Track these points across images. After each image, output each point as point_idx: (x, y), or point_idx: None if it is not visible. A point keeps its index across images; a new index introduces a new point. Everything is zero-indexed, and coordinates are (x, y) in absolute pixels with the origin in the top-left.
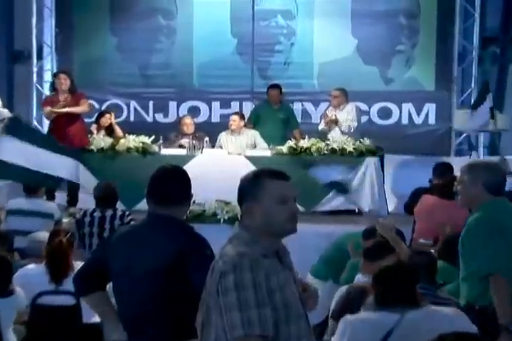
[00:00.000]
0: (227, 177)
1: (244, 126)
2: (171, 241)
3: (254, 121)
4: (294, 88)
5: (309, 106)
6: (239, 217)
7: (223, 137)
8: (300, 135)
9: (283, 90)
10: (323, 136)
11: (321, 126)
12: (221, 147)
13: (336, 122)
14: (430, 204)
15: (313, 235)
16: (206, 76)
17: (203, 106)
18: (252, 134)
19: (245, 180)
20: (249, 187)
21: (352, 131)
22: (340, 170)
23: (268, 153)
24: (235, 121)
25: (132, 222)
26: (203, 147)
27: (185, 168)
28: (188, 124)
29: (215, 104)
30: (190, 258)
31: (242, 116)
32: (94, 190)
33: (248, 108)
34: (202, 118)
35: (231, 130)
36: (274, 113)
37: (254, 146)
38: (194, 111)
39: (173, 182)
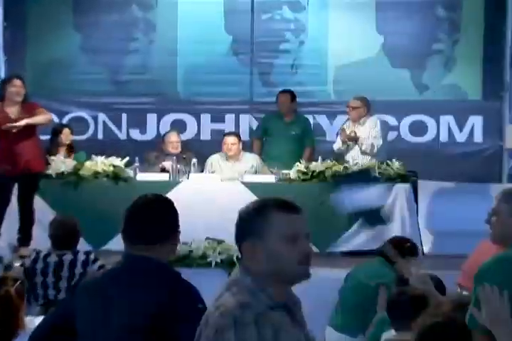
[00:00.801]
0: (220, 209)
1: (248, 148)
2: (152, 293)
3: (259, 135)
4: (303, 97)
5: (323, 120)
6: (237, 258)
7: (215, 162)
8: (310, 155)
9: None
10: (339, 157)
11: (337, 145)
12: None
13: (355, 140)
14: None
15: (330, 281)
16: (194, 82)
17: (189, 120)
18: (253, 159)
19: (246, 213)
20: (252, 222)
21: (375, 150)
22: (370, 192)
23: (272, 179)
24: (233, 144)
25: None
26: (189, 171)
27: (168, 197)
28: (174, 142)
29: (205, 118)
30: (176, 315)
31: (239, 137)
32: (50, 226)
33: (246, 122)
34: (188, 134)
35: (228, 156)
36: (285, 127)
37: (255, 172)
38: (178, 126)
39: (154, 216)
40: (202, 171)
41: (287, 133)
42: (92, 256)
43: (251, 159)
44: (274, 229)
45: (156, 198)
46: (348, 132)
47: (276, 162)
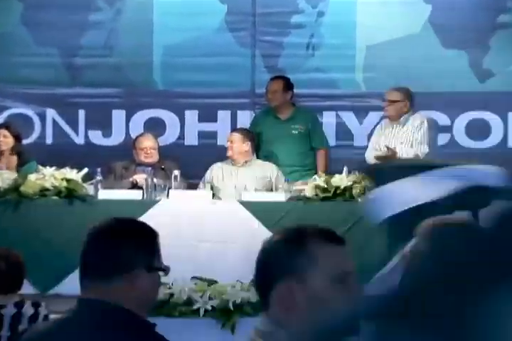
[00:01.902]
0: (211, 238)
1: (253, 152)
2: None
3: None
4: (322, 88)
5: (349, 119)
6: (262, 305)
7: (217, 170)
8: (325, 160)
9: (296, 88)
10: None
11: (370, 155)
12: (211, 187)
13: (393, 155)
14: None
15: None
16: (175, 68)
17: (169, 119)
18: (269, 168)
19: (278, 245)
20: (288, 258)
21: (421, 158)
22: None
23: (280, 197)
24: (235, 143)
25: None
26: (169, 187)
27: (145, 218)
28: (149, 149)
29: (191, 115)
30: None
31: (248, 135)
32: None
33: (246, 121)
34: (168, 138)
35: (232, 159)
36: (282, 127)
37: (271, 189)
38: (155, 127)
39: (119, 247)
40: (191, 187)
41: (286, 134)
42: (42, 310)
43: (266, 168)
44: (319, 266)
45: (122, 223)
46: (386, 148)
47: (285, 172)
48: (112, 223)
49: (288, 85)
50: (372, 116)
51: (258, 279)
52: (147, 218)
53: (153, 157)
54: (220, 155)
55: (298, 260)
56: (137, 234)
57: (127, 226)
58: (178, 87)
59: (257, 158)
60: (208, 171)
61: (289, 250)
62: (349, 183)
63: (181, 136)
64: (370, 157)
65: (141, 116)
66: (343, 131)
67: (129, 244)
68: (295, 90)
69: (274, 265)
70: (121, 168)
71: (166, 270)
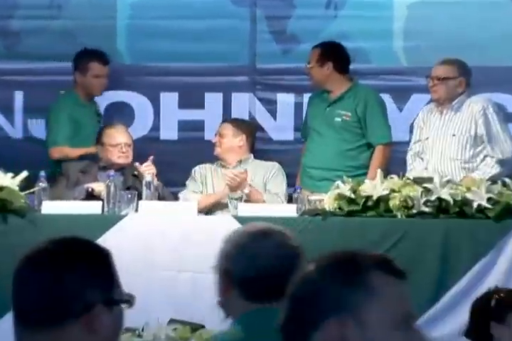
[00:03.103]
0: (195, 267)
1: (252, 149)
2: None
3: (304, 134)
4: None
5: (386, 101)
6: None
7: (200, 175)
8: (381, 162)
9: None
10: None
11: (412, 158)
12: (200, 192)
13: None
14: None
15: None
16: (148, 34)
17: (139, 104)
18: (269, 169)
19: (325, 277)
20: (341, 291)
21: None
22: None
23: (291, 210)
24: (224, 137)
25: None
26: (136, 197)
27: (102, 243)
28: (123, 146)
29: (169, 99)
30: None
31: (242, 127)
32: None
33: (244, 107)
34: (137, 130)
35: (220, 158)
36: (325, 111)
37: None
38: (119, 115)
39: (67, 281)
40: (159, 197)
41: (326, 123)
42: None
43: (269, 170)
44: (380, 303)
45: (63, 245)
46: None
47: (313, 179)
48: (50, 247)
49: (325, 54)
50: (416, 100)
51: (291, 319)
52: (108, 240)
53: (129, 157)
54: (209, 153)
55: (353, 294)
56: (86, 259)
57: (71, 249)
58: (150, 60)
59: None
60: (191, 176)
61: (344, 282)
62: (385, 192)
63: (155, 128)
64: (414, 165)
65: (100, 101)
66: None
67: (77, 274)
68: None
69: (323, 300)
70: (77, 170)
71: (129, 300)
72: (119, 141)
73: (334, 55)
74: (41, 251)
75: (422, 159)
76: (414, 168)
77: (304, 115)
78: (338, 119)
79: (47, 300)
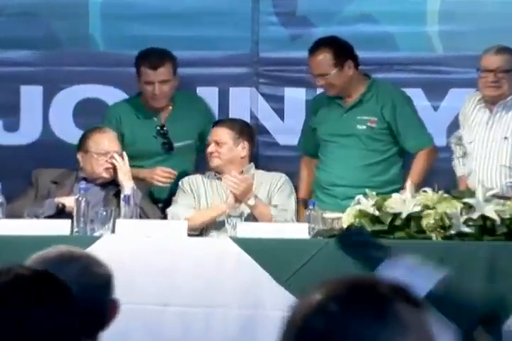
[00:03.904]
0: (184, 299)
1: (250, 156)
2: None
3: (308, 149)
4: (371, 49)
5: (416, 100)
6: None
7: (189, 188)
8: (428, 168)
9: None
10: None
11: (459, 155)
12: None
13: None
14: None
15: None
16: (126, 16)
17: (117, 101)
18: (277, 180)
19: (347, 307)
20: (369, 327)
21: None
22: None
23: (303, 231)
24: (220, 144)
25: None
26: (114, 215)
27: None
28: (113, 153)
29: None
30: None
31: (244, 130)
32: None
33: (246, 103)
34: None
35: (217, 171)
36: (341, 118)
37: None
38: (92, 114)
39: (26, 321)
40: (142, 215)
41: (345, 132)
42: None
43: (274, 181)
44: (412, 338)
45: (31, 276)
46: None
47: (335, 198)
48: (12, 275)
49: (340, 53)
50: (455, 97)
51: None
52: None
53: (109, 172)
54: (202, 161)
55: (387, 330)
56: (47, 296)
57: (24, 284)
58: (130, 47)
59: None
60: (180, 188)
61: (374, 317)
62: (416, 208)
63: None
64: (461, 171)
65: (70, 97)
66: None
67: (36, 313)
68: None
69: (349, 336)
70: (49, 180)
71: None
72: (107, 149)
73: (348, 49)
74: (15, 272)
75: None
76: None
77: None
78: (362, 127)
79: (29, 329)
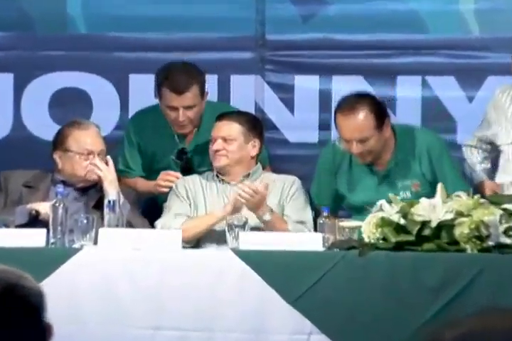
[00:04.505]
0: (178, 322)
1: (256, 157)
2: None
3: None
4: (396, 30)
5: (448, 90)
6: None
7: (184, 191)
8: None
9: (345, 34)
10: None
11: (479, 160)
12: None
13: None
14: None
15: None
16: None
17: (100, 90)
18: (289, 185)
19: None
20: None
21: None
22: None
23: (316, 242)
24: (228, 140)
25: None
26: (96, 222)
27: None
28: (97, 153)
29: (141, 84)
30: None
31: (254, 124)
32: None
33: (250, 93)
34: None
35: (222, 171)
36: (379, 187)
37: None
38: (72, 106)
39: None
40: (130, 224)
41: (388, 200)
42: None
43: (286, 186)
44: None
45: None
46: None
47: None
48: None
49: (380, 112)
50: (493, 85)
51: None
52: (53, 285)
53: (94, 174)
54: None
55: None
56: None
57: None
58: (115, 29)
59: None
60: (172, 192)
61: None
62: (448, 216)
63: (123, 123)
64: (482, 176)
65: (45, 86)
66: (435, 114)
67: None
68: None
69: None
70: (21, 184)
71: None
72: (91, 149)
73: (383, 106)
74: None
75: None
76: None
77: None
78: (406, 194)
79: None
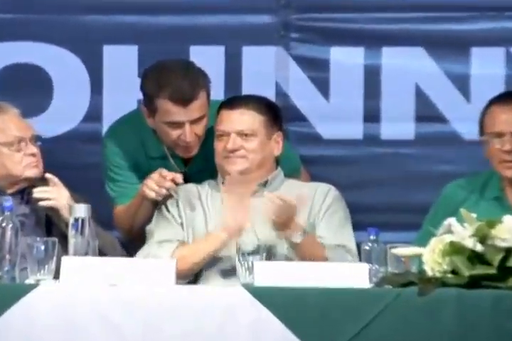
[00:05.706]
0: None
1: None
2: None
3: None
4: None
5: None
6: None
7: (184, 203)
8: None
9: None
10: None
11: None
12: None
13: None
14: None
15: None
16: None
17: (67, 67)
18: (323, 197)
19: None
20: None
21: None
22: None
23: (361, 276)
24: (248, 138)
25: None
26: (57, 247)
27: None
28: (28, 143)
29: (122, 58)
30: None
31: (275, 114)
32: None
33: (269, 71)
34: (61, 120)
35: (231, 175)
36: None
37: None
38: (26, 88)
39: None
40: (96, 251)
41: None
42: None
43: (315, 196)
44: None
45: None
46: None
47: None
48: None
49: None
50: None
51: None
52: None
53: (40, 166)
54: None
55: None
56: None
57: None
58: None
59: None
60: (160, 210)
61: None
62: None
63: (95, 113)
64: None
65: None
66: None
67: None
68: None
69: None
70: None
71: None
72: (20, 135)
73: None
74: None
75: None
76: None
77: None
78: None
79: None
